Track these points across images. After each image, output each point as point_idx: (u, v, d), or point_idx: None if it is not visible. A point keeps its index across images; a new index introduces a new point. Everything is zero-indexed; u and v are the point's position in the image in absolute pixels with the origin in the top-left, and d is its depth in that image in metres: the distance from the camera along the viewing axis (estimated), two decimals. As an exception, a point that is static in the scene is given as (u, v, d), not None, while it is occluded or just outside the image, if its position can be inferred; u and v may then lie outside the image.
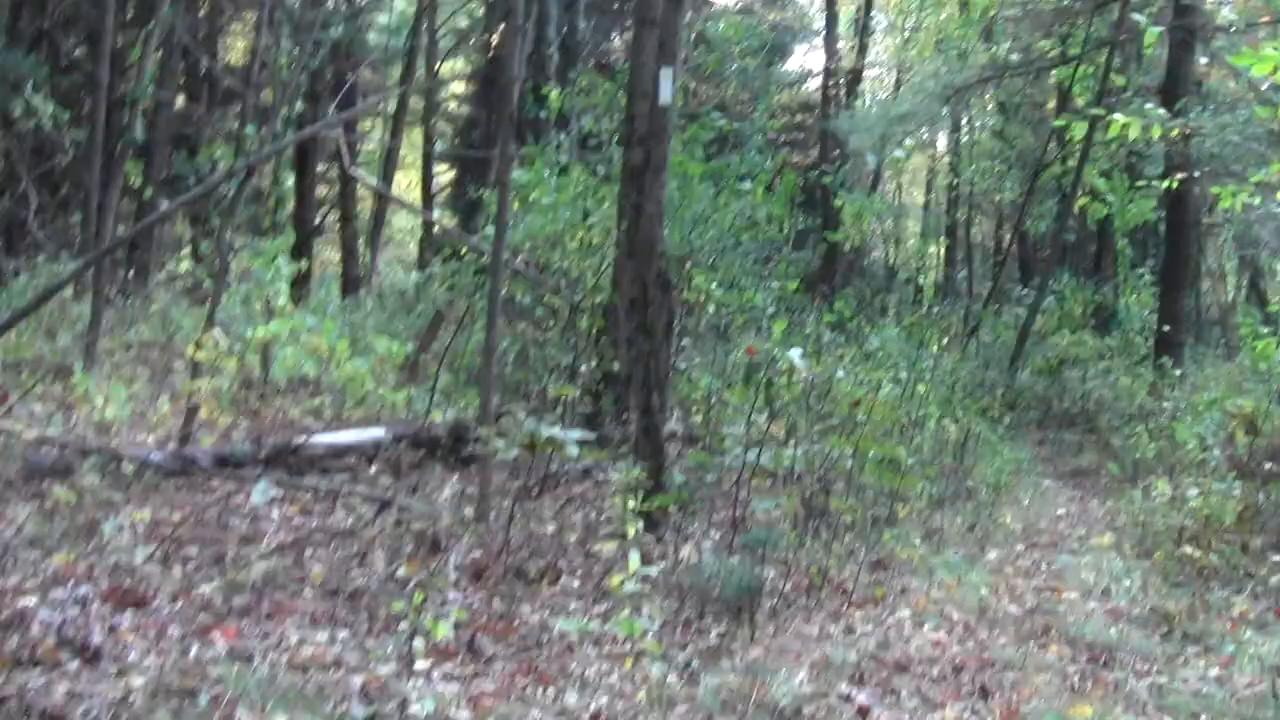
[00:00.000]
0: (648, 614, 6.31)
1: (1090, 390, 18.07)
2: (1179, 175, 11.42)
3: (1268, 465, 10.37)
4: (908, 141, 17.82)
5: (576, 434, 7.67)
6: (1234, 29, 17.99)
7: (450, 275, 16.73)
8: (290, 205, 19.33)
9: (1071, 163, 19.93)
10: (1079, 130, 10.88)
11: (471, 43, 30.18)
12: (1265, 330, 10.48)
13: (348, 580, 6.83)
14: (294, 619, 5.98)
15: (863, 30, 31.44)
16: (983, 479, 12.15)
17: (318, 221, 31.21)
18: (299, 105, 15.38)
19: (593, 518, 9.56)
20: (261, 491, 8.36)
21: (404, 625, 5.75)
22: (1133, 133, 10.22)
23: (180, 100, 21.70)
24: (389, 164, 27.67)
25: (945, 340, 15.81)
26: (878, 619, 7.38)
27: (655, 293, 9.56)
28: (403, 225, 36.86)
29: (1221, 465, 10.35)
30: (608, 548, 6.97)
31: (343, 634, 5.85)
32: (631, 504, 6.42)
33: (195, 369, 10.15)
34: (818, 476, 9.01)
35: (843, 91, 31.38)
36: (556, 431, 7.56)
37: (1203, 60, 19.14)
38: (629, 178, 10.57)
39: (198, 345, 9.89)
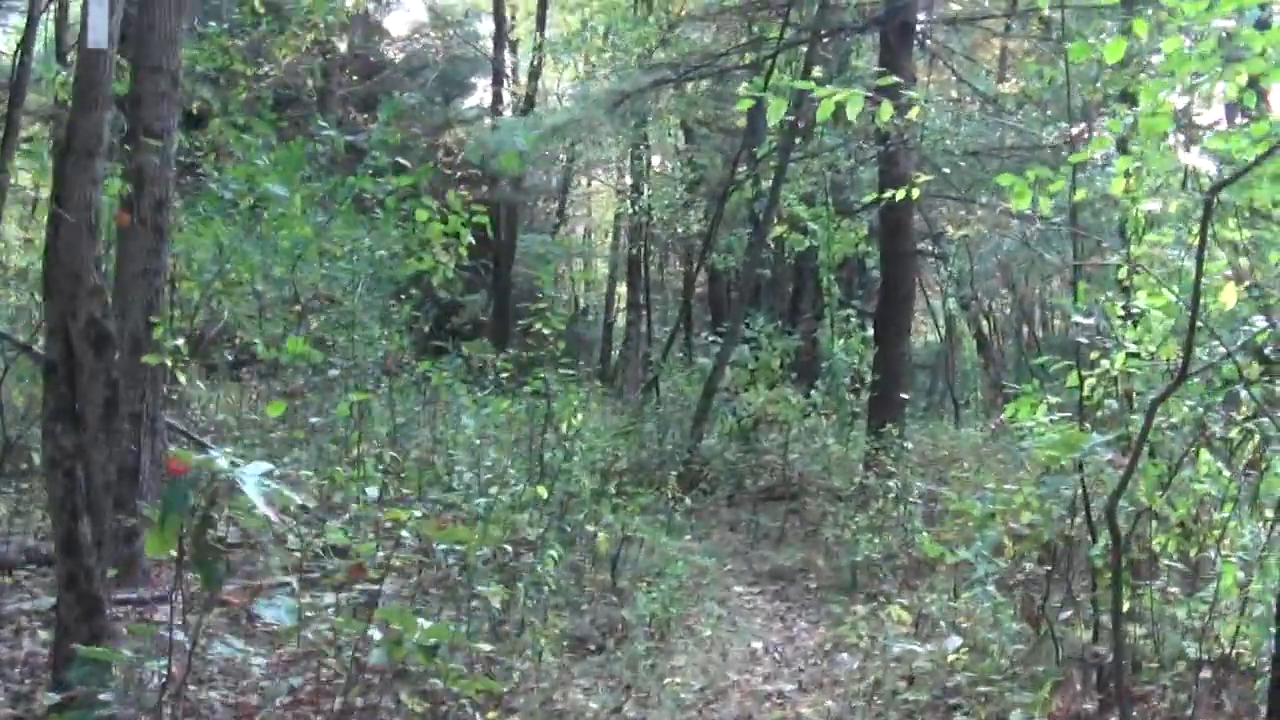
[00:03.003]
0: None
1: (793, 460, 14.69)
2: (921, 177, 7.96)
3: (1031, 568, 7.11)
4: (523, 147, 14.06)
5: None
6: (958, 20, 15.14)
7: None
8: None
9: (766, 183, 16.59)
10: (776, 109, 7.24)
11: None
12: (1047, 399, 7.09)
13: None
14: None
15: (537, 50, 28.10)
16: (645, 607, 8.47)
17: None
18: None
19: None
20: None
21: None
22: (852, 110, 6.66)
23: None
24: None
25: (599, 402, 12.24)
26: None
27: (85, 352, 5.62)
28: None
29: (988, 588, 6.91)
30: None
31: None
32: None
33: None
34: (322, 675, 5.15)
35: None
36: None
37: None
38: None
39: None
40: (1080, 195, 6.74)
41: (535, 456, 8.12)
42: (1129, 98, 12.63)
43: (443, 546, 6.54)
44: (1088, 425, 7.04)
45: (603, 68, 20.46)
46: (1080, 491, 6.64)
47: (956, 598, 8.10)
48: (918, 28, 15.15)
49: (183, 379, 7.06)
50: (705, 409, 15.26)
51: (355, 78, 31.36)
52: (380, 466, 7.69)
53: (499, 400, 8.94)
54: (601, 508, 8.86)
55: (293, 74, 31.54)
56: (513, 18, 33.75)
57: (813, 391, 16.26)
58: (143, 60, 8.68)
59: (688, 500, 13.18)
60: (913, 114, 7.58)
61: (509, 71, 33.60)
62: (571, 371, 9.18)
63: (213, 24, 13.65)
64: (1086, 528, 6.79)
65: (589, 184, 38.68)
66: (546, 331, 8.66)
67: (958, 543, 7.90)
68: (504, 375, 9.78)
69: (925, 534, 9.61)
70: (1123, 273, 8.59)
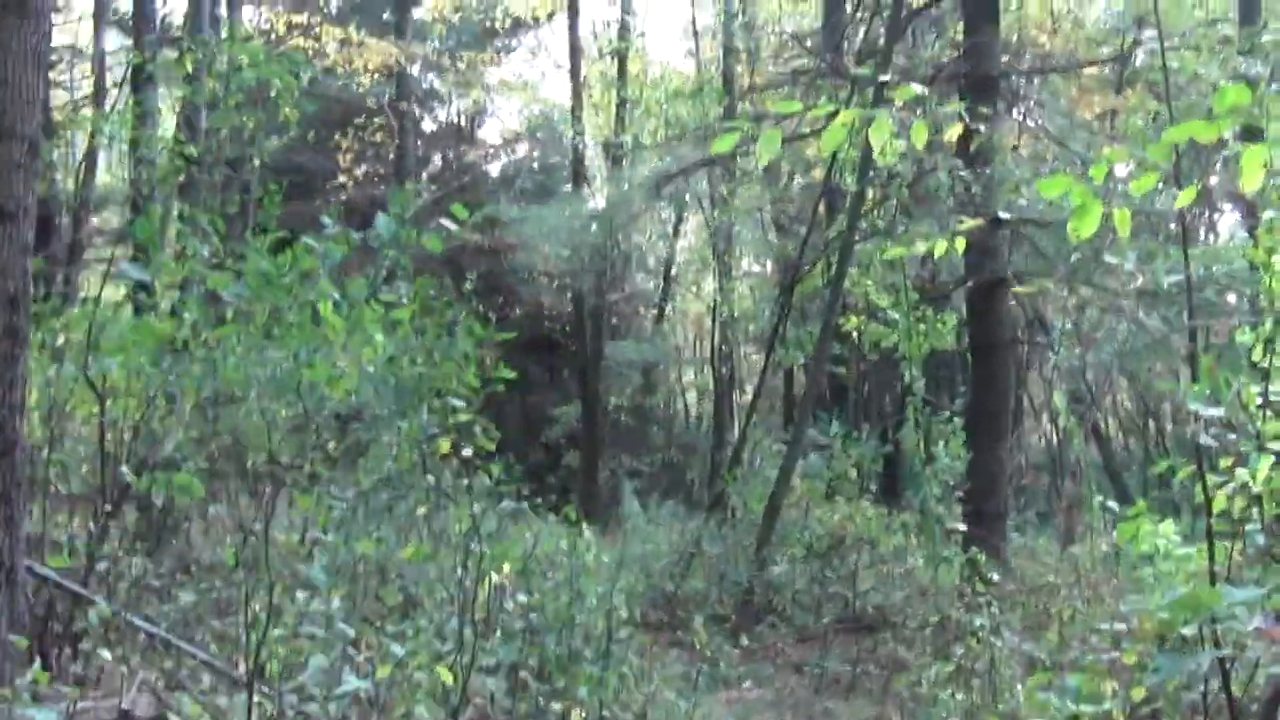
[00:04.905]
0: None
1: (866, 590, 12.29)
2: (966, 225, 5.66)
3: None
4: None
5: None
6: (1045, 70, 12.94)
7: None
8: None
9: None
10: (767, 144, 4.96)
11: None
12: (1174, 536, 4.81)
13: None
14: None
15: (612, 148, 26.37)
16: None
17: None
18: None
19: None
20: None
21: None
22: (877, 137, 4.49)
23: None
24: None
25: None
26: None
27: None
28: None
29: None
30: None
31: None
32: None
33: None
34: None
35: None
36: None
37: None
38: None
39: None
40: (1188, 196, 4.46)
41: (461, 622, 5.95)
42: (1253, 134, 10.34)
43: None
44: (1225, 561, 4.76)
45: (655, 149, 18.60)
46: (1216, 668, 4.33)
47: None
48: (1002, 82, 13.01)
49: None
50: (769, 529, 12.96)
51: (434, 187, 29.89)
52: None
53: (416, 546, 6.73)
54: (573, 677, 6.64)
55: (369, 184, 30.43)
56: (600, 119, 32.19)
57: (919, 505, 13.87)
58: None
59: (743, 639, 10.94)
60: (953, 132, 5.40)
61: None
62: (533, 497, 7.03)
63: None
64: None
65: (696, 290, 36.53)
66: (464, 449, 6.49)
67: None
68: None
69: (1010, 693, 7.29)
70: (1258, 351, 6.28)
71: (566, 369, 33.26)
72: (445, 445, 6.62)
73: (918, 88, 5.30)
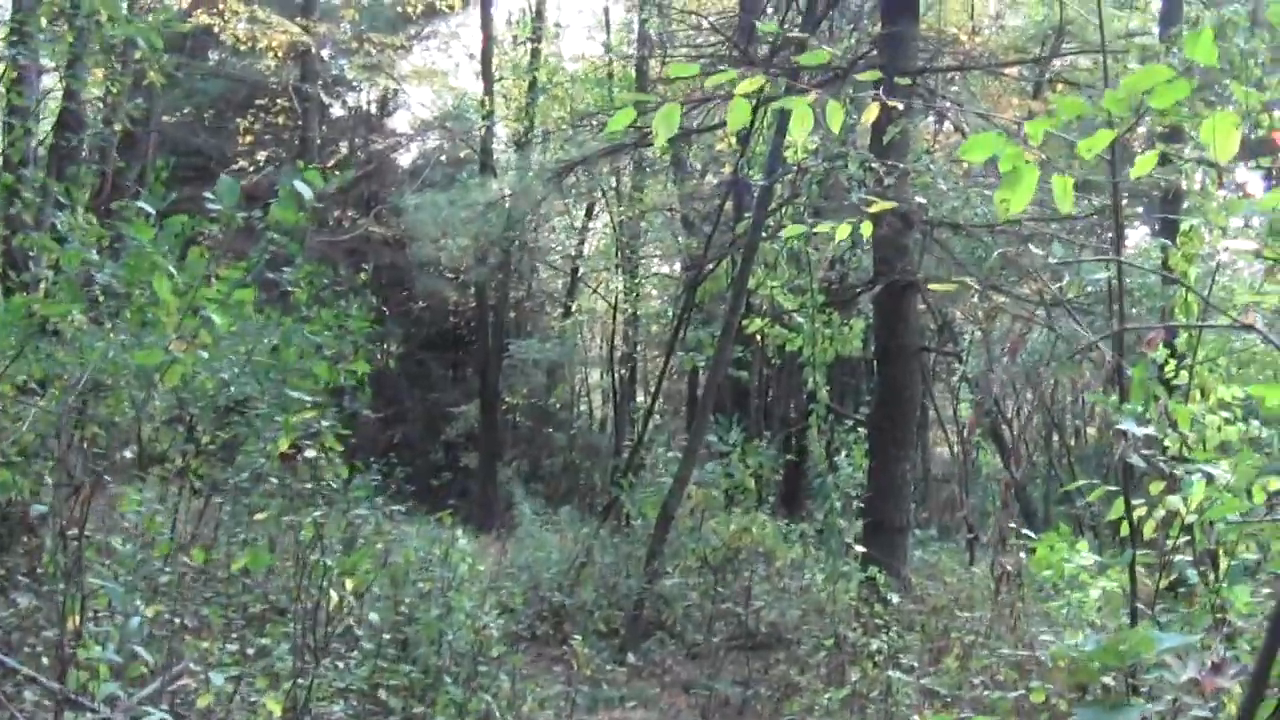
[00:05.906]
0: None
1: (761, 607, 11.75)
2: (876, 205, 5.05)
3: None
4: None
5: None
6: (965, 67, 12.47)
7: None
8: None
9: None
10: (665, 122, 4.29)
11: None
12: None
13: None
14: None
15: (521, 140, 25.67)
16: None
17: None
18: None
19: None
20: None
21: None
22: (799, 128, 3.86)
23: None
24: None
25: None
26: None
27: None
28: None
29: None
30: None
31: None
32: None
33: None
34: None
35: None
36: None
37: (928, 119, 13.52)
38: None
39: None
40: (1147, 164, 3.80)
41: (299, 640, 5.25)
42: (1180, 136, 9.87)
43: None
44: (1144, 598, 4.23)
45: (560, 139, 17.90)
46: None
47: None
48: (920, 79, 12.49)
49: None
50: (661, 539, 12.32)
51: (337, 174, 28.75)
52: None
53: (254, 553, 5.99)
54: (433, 702, 5.97)
55: (270, 170, 29.33)
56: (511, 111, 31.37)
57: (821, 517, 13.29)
58: None
59: (630, 656, 10.35)
60: (869, 115, 4.78)
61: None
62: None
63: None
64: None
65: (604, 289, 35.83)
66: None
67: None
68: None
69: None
70: (1171, 367, 5.82)
71: (470, 366, 32.59)
72: (285, 443, 5.93)
73: (829, 49, 4.75)
